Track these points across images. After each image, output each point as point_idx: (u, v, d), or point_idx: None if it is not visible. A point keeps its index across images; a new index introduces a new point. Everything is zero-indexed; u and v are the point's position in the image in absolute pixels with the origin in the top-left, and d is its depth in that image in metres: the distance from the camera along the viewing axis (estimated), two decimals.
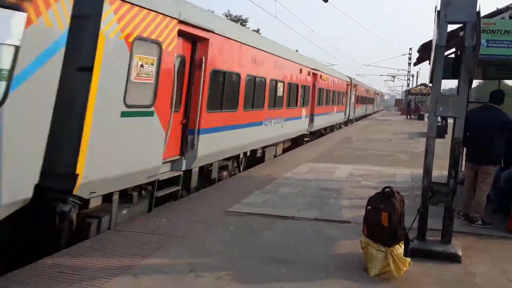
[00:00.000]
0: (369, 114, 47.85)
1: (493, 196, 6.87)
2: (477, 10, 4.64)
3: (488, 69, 8.55)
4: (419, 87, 45.28)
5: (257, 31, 50.83)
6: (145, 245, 5.23)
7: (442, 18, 4.67)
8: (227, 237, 5.68)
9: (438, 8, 4.70)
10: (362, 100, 38.71)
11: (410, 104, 47.11)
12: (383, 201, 4.47)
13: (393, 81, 70.39)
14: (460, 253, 4.98)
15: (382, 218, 4.40)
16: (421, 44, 7.87)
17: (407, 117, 43.66)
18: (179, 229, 5.91)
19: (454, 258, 4.91)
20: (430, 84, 5.02)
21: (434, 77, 4.86)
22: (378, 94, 60.98)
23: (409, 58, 52.82)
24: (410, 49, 53.79)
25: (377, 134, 23.01)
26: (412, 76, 63.97)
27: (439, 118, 14.80)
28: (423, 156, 5.24)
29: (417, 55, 10.29)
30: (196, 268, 4.58)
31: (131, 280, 4.28)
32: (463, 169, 8.14)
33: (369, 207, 4.57)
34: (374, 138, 20.46)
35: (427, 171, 4.91)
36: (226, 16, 50.52)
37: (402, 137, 21.73)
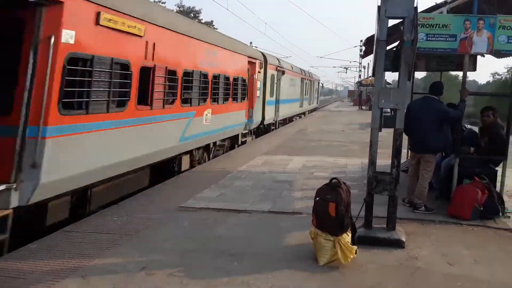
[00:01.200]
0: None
1: (435, 183, 7.24)
2: (415, 5, 4.86)
3: (430, 61, 8.95)
4: (370, 78, 46.59)
5: (211, 23, 50.42)
6: (95, 245, 5.13)
7: (382, 13, 4.86)
8: (180, 233, 5.66)
9: (379, 4, 4.88)
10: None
11: (362, 95, 48.46)
12: (331, 192, 4.62)
13: (346, 72, 71.90)
14: (403, 239, 5.23)
15: (330, 208, 4.54)
16: (366, 37, 8.10)
17: (359, 108, 44.91)
18: (131, 227, 5.83)
19: (398, 244, 5.15)
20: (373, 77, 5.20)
21: (376, 71, 5.06)
22: (306, 79, 29.80)
23: (360, 50, 54.17)
24: (361, 41, 55.11)
25: (331, 125, 23.54)
26: (364, 67, 63.77)
27: (388, 109, 15.27)
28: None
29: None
30: (147, 266, 4.54)
31: (79, 281, 4.19)
32: (408, 158, 8.52)
33: (318, 198, 4.70)
34: (328, 129, 20.92)
35: (372, 161, 5.11)
36: (179, 7, 49.73)
37: (354, 127, 22.35)
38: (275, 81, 19.06)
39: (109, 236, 5.47)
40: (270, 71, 17.95)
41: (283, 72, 20.60)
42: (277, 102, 19.84)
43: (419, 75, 52.09)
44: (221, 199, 7.34)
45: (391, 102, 4.96)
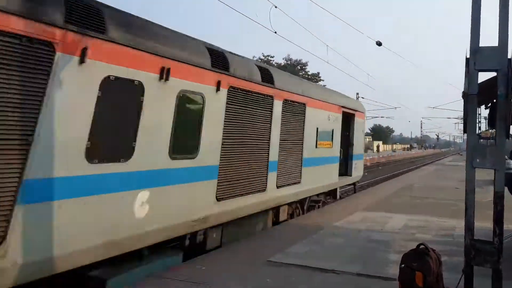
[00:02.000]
0: None
1: None
2: (509, 57, 4.43)
3: None
4: (490, 130, 42.75)
5: (317, 74, 51.43)
6: None
7: (471, 66, 4.49)
8: None
9: (468, 55, 4.53)
10: None
11: None
12: (417, 260, 4.23)
13: None
14: None
15: (416, 278, 4.15)
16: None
17: None
18: (215, 278, 5.92)
19: None
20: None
21: (468, 127, 4.63)
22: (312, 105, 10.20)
23: None
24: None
25: (443, 181, 21.85)
26: (485, 118, 58.59)
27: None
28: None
29: None
30: None
31: None
32: None
33: (403, 265, 4.33)
34: (438, 185, 19.42)
35: (469, 227, 4.57)
36: (286, 61, 51.78)
37: None
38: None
39: (191, 285, 5.61)
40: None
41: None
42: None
43: None
44: (309, 256, 7.13)
45: (487, 162, 4.46)
